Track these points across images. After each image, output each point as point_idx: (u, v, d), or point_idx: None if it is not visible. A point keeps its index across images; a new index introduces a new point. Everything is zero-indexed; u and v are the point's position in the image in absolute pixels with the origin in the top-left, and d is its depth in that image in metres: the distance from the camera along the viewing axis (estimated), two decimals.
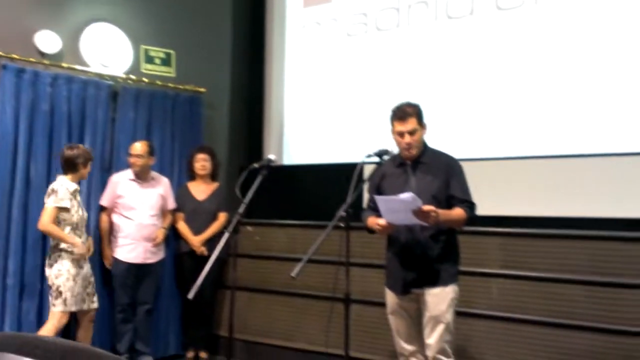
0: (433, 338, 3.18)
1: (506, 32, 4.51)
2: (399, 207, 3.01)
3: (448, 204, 3.21)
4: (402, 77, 4.94)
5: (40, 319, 4.41)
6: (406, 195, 2.97)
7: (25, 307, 4.39)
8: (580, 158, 4.11)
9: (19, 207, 4.38)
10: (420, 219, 3.01)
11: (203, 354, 5.09)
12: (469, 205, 3.21)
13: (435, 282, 3.19)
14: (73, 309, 4.13)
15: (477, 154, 4.41)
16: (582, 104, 4.17)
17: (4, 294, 4.31)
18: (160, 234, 4.82)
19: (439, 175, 3.22)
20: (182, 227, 5.01)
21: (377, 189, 3.37)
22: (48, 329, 4.09)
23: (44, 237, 4.42)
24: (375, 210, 3.27)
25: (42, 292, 4.41)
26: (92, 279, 4.36)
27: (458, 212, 3.18)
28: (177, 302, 5.18)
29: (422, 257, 3.19)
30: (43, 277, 4.35)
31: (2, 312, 4.30)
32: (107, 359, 0.74)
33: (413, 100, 3.35)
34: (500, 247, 4.05)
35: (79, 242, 4.17)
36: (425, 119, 3.31)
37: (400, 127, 3.22)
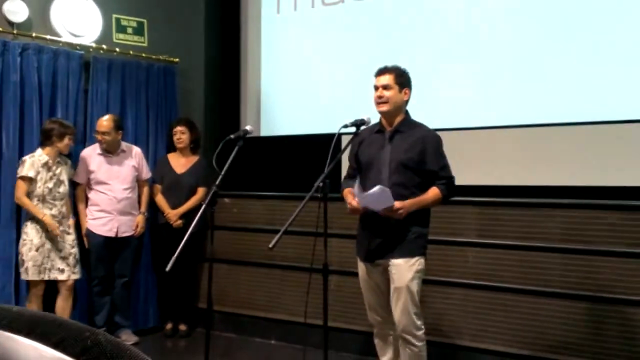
0: (398, 310, 3.19)
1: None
2: (376, 197, 3.07)
3: (423, 177, 3.20)
4: (380, 46, 4.90)
5: (18, 293, 4.38)
6: (377, 190, 3.03)
7: (1, 281, 4.33)
8: (555, 127, 4.14)
9: None
10: (389, 215, 3.09)
11: (182, 326, 5.09)
12: (447, 182, 3.21)
13: (399, 253, 3.18)
14: (35, 277, 4.23)
15: (452, 124, 4.41)
16: (557, 72, 4.18)
17: None
18: (141, 221, 4.80)
19: (415, 146, 3.21)
20: (160, 199, 4.97)
21: (355, 156, 3.37)
22: (29, 298, 4.29)
23: (18, 210, 4.38)
24: (353, 177, 3.30)
25: (18, 265, 4.36)
26: (74, 250, 4.40)
27: (432, 193, 3.18)
28: (155, 274, 5.15)
29: (386, 228, 3.19)
30: (18, 251, 4.33)
31: None
32: (80, 329, 0.73)
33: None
34: (476, 216, 4.09)
35: (46, 216, 4.24)
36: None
37: (375, 82, 3.29)
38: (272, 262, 4.81)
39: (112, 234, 4.66)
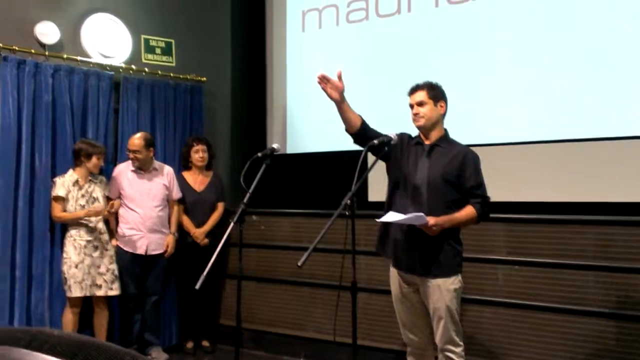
0: (439, 330, 3.18)
1: (511, 15, 4.47)
2: (409, 219, 3.07)
3: (459, 194, 3.18)
4: (404, 63, 4.90)
5: (52, 311, 4.45)
6: (416, 215, 3.03)
7: (34, 298, 4.41)
8: (587, 142, 4.08)
9: (24, 198, 4.37)
10: (423, 230, 3.08)
11: (205, 343, 5.10)
12: (482, 202, 3.18)
13: (437, 272, 3.16)
14: (78, 294, 4.32)
15: (483, 140, 4.37)
16: (588, 87, 4.13)
17: (13, 286, 4.32)
18: (171, 242, 4.83)
19: (454, 161, 3.19)
20: (185, 220, 5.00)
21: (393, 156, 3.32)
22: (65, 315, 4.40)
23: (52, 228, 4.47)
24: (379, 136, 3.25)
25: (51, 283, 4.45)
26: (112, 266, 4.49)
27: (467, 212, 3.16)
28: (177, 292, 5.16)
29: (422, 246, 3.16)
30: (52, 269, 4.44)
31: (11, 304, 4.31)
32: (119, 353, 0.73)
33: None
34: (506, 234, 4.04)
35: (84, 211, 4.38)
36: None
37: (410, 100, 3.30)
38: (299, 280, 4.80)
39: (141, 252, 4.70)
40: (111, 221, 4.70)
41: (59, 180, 4.41)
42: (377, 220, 3.18)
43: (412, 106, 3.28)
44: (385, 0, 5.08)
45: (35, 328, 0.75)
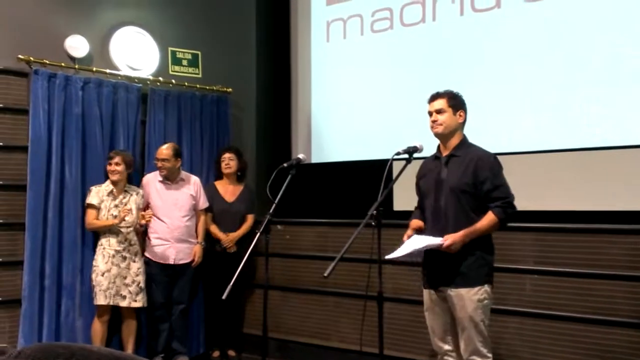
0: (463, 340, 3.15)
1: (537, 22, 4.44)
2: (424, 247, 3.13)
3: (480, 200, 3.16)
4: (429, 72, 4.90)
5: (83, 320, 4.53)
6: (424, 245, 3.09)
7: (65, 308, 4.49)
8: (616, 150, 4.03)
9: (54, 209, 4.46)
10: (446, 251, 3.10)
11: (231, 352, 5.13)
12: (502, 204, 3.12)
13: (460, 282, 3.14)
14: (102, 302, 4.39)
15: (509, 148, 4.35)
16: (615, 95, 4.08)
17: (42, 295, 4.40)
18: (198, 251, 4.86)
19: (468, 168, 3.17)
20: (213, 227, 5.04)
21: (418, 188, 3.42)
22: (94, 323, 4.47)
23: (83, 238, 4.55)
24: (422, 210, 3.38)
25: (82, 293, 4.53)
26: (138, 278, 4.52)
27: (487, 220, 3.11)
28: (204, 301, 5.20)
29: (448, 256, 3.14)
30: (83, 279, 4.52)
31: (41, 313, 4.40)
32: None
33: None
34: (534, 243, 3.99)
35: (111, 220, 4.44)
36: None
37: (429, 107, 3.31)
38: (324, 289, 4.81)
39: (169, 261, 4.75)
40: (139, 233, 4.73)
41: (94, 188, 4.50)
42: (387, 257, 3.17)
43: (430, 113, 3.29)
44: (410, 9, 5.09)
45: (76, 344, 0.77)
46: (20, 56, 4.40)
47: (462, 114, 3.27)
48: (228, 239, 4.99)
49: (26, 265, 4.35)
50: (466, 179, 3.16)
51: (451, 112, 3.24)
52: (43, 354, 0.77)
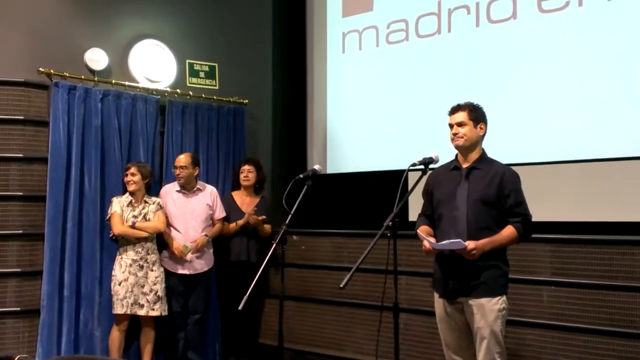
0: (481, 351, 3.14)
1: (553, 33, 4.44)
2: (447, 246, 3.12)
3: (501, 214, 3.16)
4: (445, 83, 4.91)
5: (101, 330, 4.57)
6: (451, 241, 3.08)
7: (84, 317, 4.54)
8: (633, 161, 4.00)
9: (73, 220, 4.52)
10: (463, 255, 3.09)
11: None
12: (523, 221, 3.15)
13: (481, 292, 3.13)
14: (119, 311, 4.43)
15: (526, 159, 4.33)
16: (633, 105, 4.06)
17: (61, 305, 4.46)
18: (200, 240, 4.82)
19: (493, 182, 3.18)
20: (232, 226, 5.04)
21: (430, 194, 3.39)
22: (112, 332, 4.50)
23: (101, 249, 4.60)
24: (428, 217, 3.35)
25: (100, 303, 4.58)
26: (155, 287, 4.55)
27: (507, 232, 3.13)
28: (219, 311, 5.22)
29: (466, 265, 3.14)
30: (102, 289, 4.58)
31: (60, 323, 4.45)
32: None
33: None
34: (550, 254, 3.97)
35: (143, 233, 4.52)
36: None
37: (450, 120, 3.31)
38: (339, 300, 4.81)
39: (186, 271, 4.79)
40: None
41: (115, 199, 4.56)
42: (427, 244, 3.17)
43: (451, 126, 3.29)
44: (426, 20, 5.11)
45: (99, 357, 0.79)
46: (41, 69, 4.48)
47: (482, 126, 3.27)
48: (240, 222, 4.98)
49: (45, 275, 4.40)
50: (490, 192, 3.17)
51: (472, 124, 3.24)
52: None
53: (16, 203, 4.47)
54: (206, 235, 4.87)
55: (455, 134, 3.26)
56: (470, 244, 3.05)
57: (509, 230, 3.13)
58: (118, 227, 4.47)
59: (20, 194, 4.48)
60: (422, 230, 3.28)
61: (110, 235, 4.61)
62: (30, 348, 4.38)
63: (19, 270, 4.44)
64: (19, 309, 4.41)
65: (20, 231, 4.46)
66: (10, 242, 4.44)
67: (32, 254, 4.48)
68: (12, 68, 4.49)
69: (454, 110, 3.30)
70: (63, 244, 4.49)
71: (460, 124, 3.24)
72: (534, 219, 3.20)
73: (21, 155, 4.49)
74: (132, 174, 4.56)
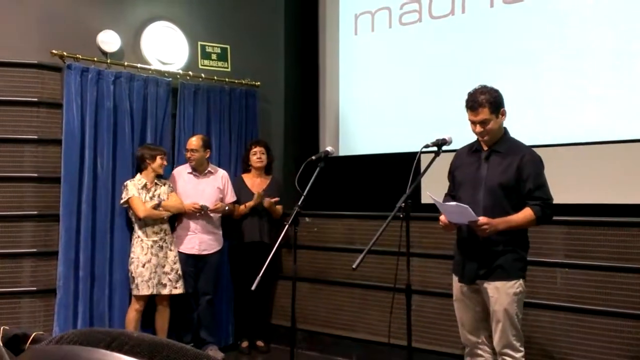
0: (497, 333, 3.14)
1: (566, 13, 4.37)
2: (455, 210, 3.07)
3: (519, 198, 3.13)
4: (458, 64, 4.86)
5: (112, 309, 4.63)
6: (454, 204, 3.05)
7: (96, 297, 4.60)
8: None
9: (87, 202, 4.56)
10: (475, 231, 3.06)
11: (260, 343, 5.18)
12: (542, 204, 3.11)
13: (498, 276, 3.13)
14: (145, 292, 4.50)
15: (541, 140, 4.29)
16: None
17: (77, 285, 4.51)
18: (220, 205, 4.84)
19: (512, 165, 3.14)
20: (243, 208, 5.06)
21: (452, 174, 3.38)
22: (128, 312, 4.58)
23: (112, 231, 4.63)
24: (453, 198, 3.32)
25: (111, 283, 4.62)
26: (176, 266, 4.63)
27: (524, 214, 3.10)
28: (232, 292, 5.26)
29: (484, 249, 3.14)
30: (112, 269, 4.62)
31: (75, 303, 4.51)
32: (197, 356, 0.77)
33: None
34: (564, 236, 3.95)
35: (165, 212, 4.61)
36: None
37: (471, 116, 3.19)
38: (352, 281, 4.83)
39: (194, 252, 4.83)
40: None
41: (130, 182, 4.58)
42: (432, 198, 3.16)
43: (473, 123, 3.19)
44: (439, 1, 5.05)
45: (115, 330, 0.80)
46: (53, 51, 4.49)
47: (503, 112, 3.20)
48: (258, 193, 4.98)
49: (61, 256, 4.46)
50: (509, 177, 3.13)
51: (495, 117, 3.16)
52: (84, 339, 0.80)
53: (31, 184, 4.51)
54: (222, 203, 4.88)
55: (480, 133, 3.17)
56: (482, 219, 3.03)
57: (526, 212, 3.10)
58: (142, 210, 4.50)
59: (35, 175, 4.52)
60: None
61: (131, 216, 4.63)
62: (46, 327, 4.44)
63: (34, 250, 4.49)
64: (34, 288, 4.47)
65: (35, 212, 4.50)
66: (25, 222, 4.49)
67: (47, 235, 4.53)
68: (26, 50, 4.50)
69: (474, 107, 3.15)
70: (78, 226, 4.53)
71: (483, 122, 3.14)
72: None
73: (35, 136, 4.53)
74: (162, 158, 4.62)
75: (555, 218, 3.81)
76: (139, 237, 4.56)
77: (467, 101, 3.20)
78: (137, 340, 0.77)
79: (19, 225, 4.47)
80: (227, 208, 4.90)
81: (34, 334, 1.17)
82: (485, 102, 3.13)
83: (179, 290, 4.63)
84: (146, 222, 4.56)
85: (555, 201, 3.22)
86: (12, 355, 1.12)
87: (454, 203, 3.09)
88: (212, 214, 4.88)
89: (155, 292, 4.53)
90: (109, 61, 4.75)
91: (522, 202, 3.13)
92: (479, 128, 3.17)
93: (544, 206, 3.12)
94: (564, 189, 4.11)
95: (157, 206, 4.55)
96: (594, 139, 4.19)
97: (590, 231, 3.87)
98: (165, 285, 4.57)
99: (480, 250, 3.15)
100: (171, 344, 0.76)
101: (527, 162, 3.14)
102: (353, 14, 5.64)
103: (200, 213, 4.77)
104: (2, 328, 1.30)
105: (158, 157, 4.62)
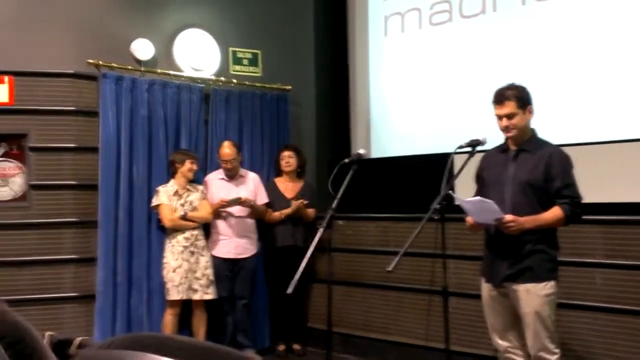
0: (529, 336, 3.09)
1: (601, 10, 4.29)
2: (480, 207, 3.04)
3: (548, 197, 3.09)
4: (490, 64, 4.81)
5: (149, 314, 4.70)
6: (477, 200, 3.02)
7: (134, 302, 4.67)
8: None
9: (124, 208, 4.64)
10: (501, 229, 3.02)
11: (297, 346, 5.20)
12: (571, 202, 3.05)
13: (527, 278, 3.07)
14: (175, 297, 4.54)
15: (577, 139, 4.22)
16: None
17: (115, 291, 4.59)
18: (249, 199, 4.87)
19: (540, 164, 3.10)
20: (276, 215, 5.09)
21: (479, 176, 3.34)
22: (164, 317, 4.61)
23: (149, 236, 4.70)
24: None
25: (149, 288, 4.69)
26: (207, 272, 4.67)
27: (553, 213, 3.05)
28: (268, 296, 5.28)
29: (513, 248, 3.09)
30: (150, 274, 4.68)
31: (114, 308, 4.59)
32: (237, 357, 0.78)
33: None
34: (603, 236, 3.88)
35: (191, 223, 4.63)
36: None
37: (497, 110, 3.17)
38: (387, 284, 4.80)
39: (231, 256, 4.87)
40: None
41: (162, 189, 4.65)
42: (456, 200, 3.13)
43: (499, 116, 3.17)
44: (470, 0, 5.00)
45: (162, 334, 0.82)
46: (89, 60, 4.59)
47: (530, 108, 3.17)
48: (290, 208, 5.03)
49: (100, 262, 4.55)
50: (536, 175, 3.09)
51: (521, 112, 3.13)
52: (133, 344, 0.82)
53: (70, 192, 4.62)
54: (253, 202, 4.92)
55: (506, 127, 3.15)
56: (508, 216, 2.99)
57: (555, 211, 3.05)
58: (169, 220, 4.57)
59: (74, 182, 4.62)
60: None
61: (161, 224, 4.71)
62: (87, 332, 4.53)
63: (75, 257, 4.59)
64: (76, 294, 4.56)
65: (75, 219, 4.60)
66: (65, 229, 4.59)
67: (86, 242, 4.62)
68: (62, 60, 4.61)
69: (500, 102, 3.15)
70: (115, 232, 4.61)
71: (509, 116, 3.12)
72: (587, 200, 3.11)
73: (74, 145, 4.63)
74: (192, 163, 4.69)
75: (592, 217, 3.76)
76: (170, 242, 4.62)
77: (494, 96, 3.19)
78: (184, 344, 0.78)
79: (59, 232, 4.58)
80: (253, 204, 4.92)
81: (80, 339, 1.20)
82: (512, 96, 3.13)
83: (210, 295, 4.66)
84: (175, 228, 4.61)
85: (589, 200, 3.16)
86: None
87: (477, 198, 3.05)
88: (247, 219, 4.92)
89: (185, 297, 4.57)
90: (142, 69, 4.83)
91: (551, 200, 3.08)
92: (505, 122, 3.13)
93: (573, 205, 3.05)
94: (602, 188, 4.03)
95: (183, 216, 4.58)
96: (632, 136, 4.10)
97: (628, 230, 3.79)
98: (196, 291, 4.60)
99: (509, 249, 3.10)
100: (218, 349, 0.77)
101: (555, 160, 3.09)
102: (383, 16, 5.62)
103: (232, 205, 4.77)
104: (47, 334, 1.33)
105: (187, 162, 4.67)
